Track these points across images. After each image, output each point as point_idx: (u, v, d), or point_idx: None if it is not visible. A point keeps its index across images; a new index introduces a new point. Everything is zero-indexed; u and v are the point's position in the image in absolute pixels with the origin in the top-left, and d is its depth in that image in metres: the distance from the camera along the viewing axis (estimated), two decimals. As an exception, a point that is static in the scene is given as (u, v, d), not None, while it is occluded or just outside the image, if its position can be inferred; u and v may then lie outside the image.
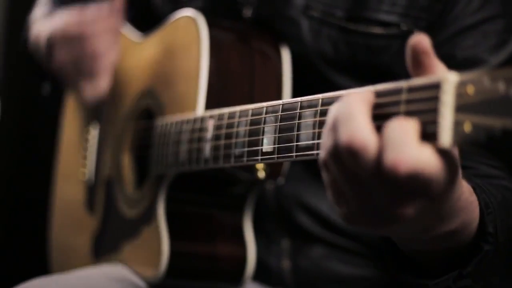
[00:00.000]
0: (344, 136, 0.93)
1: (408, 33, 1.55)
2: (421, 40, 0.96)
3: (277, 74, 1.61)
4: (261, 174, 1.50)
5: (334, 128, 0.96)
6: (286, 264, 1.71)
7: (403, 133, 0.91)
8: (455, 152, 0.96)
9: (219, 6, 1.74)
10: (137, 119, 1.82)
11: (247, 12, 1.69)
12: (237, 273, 1.65)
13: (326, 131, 0.99)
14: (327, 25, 1.60)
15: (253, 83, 1.60)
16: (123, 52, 1.91)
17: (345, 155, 0.93)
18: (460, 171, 1.00)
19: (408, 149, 0.90)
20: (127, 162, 1.82)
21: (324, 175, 1.01)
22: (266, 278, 1.72)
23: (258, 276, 1.70)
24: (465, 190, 1.06)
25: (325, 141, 0.99)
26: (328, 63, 1.61)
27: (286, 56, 1.63)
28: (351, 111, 0.94)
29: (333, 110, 0.98)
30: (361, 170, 0.93)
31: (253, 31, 1.67)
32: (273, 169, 1.53)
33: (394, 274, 1.21)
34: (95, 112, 2.02)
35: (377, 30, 1.57)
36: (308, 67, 1.62)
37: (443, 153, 0.93)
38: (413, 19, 1.56)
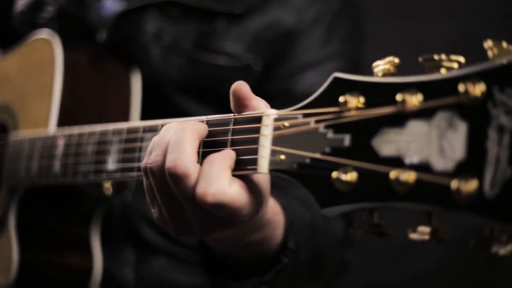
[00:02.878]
0: (171, 161, 1.04)
1: (248, 66, 1.68)
2: (241, 86, 1.09)
3: (126, 96, 1.71)
4: (108, 190, 1.60)
5: (166, 149, 1.07)
6: (129, 274, 1.79)
7: (217, 168, 1.04)
8: (266, 180, 1.10)
9: (74, 29, 1.83)
10: (-9, 132, 1.88)
11: (101, 36, 1.79)
12: (84, 282, 1.73)
13: (155, 144, 1.10)
14: (175, 54, 1.72)
15: (104, 104, 1.69)
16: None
17: (168, 177, 1.05)
18: (266, 197, 1.14)
19: (218, 183, 1.02)
20: (-21, 174, 1.88)
21: (144, 179, 1.13)
22: (112, 287, 1.81)
23: (104, 285, 1.79)
24: (269, 210, 1.20)
25: (152, 153, 1.09)
26: (176, 88, 1.73)
27: (136, 80, 1.73)
28: (181, 140, 1.06)
29: (169, 131, 1.10)
30: (179, 193, 1.06)
31: (106, 55, 1.76)
32: (119, 185, 1.62)
33: (206, 274, 1.34)
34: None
35: (222, 61, 1.70)
36: (158, 92, 1.73)
37: (251, 187, 1.07)
38: (256, 53, 1.69)
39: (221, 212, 1.04)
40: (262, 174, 1.05)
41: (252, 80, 1.66)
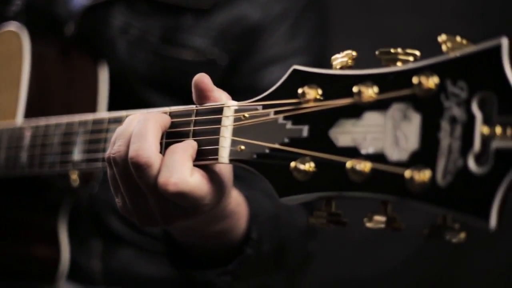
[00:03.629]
0: (133, 151, 1.06)
1: (214, 61, 1.70)
2: (203, 78, 1.11)
3: (94, 89, 1.72)
4: (75, 182, 1.61)
5: (129, 140, 1.09)
6: (96, 265, 1.80)
7: (178, 158, 1.06)
8: (228, 170, 1.12)
9: (42, 22, 1.84)
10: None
11: (69, 29, 1.80)
12: (51, 272, 1.74)
13: (119, 134, 1.12)
14: (142, 48, 1.73)
15: (71, 97, 1.71)
16: None
17: (131, 167, 1.07)
18: (229, 187, 1.16)
19: (180, 172, 1.04)
20: None
21: (108, 169, 1.15)
22: (79, 278, 1.82)
23: (72, 275, 1.79)
24: (232, 201, 1.22)
25: (116, 143, 1.11)
26: (143, 82, 1.74)
27: (103, 73, 1.74)
28: (144, 130, 1.08)
29: (132, 122, 1.12)
30: (142, 182, 1.08)
31: (74, 48, 1.77)
32: (86, 176, 1.64)
33: (172, 265, 1.35)
34: None
35: (188, 55, 1.72)
36: (125, 85, 1.75)
37: (213, 176, 1.10)
38: (222, 47, 1.71)
39: (183, 201, 1.06)
40: (224, 164, 1.07)
41: (217, 75, 1.68)
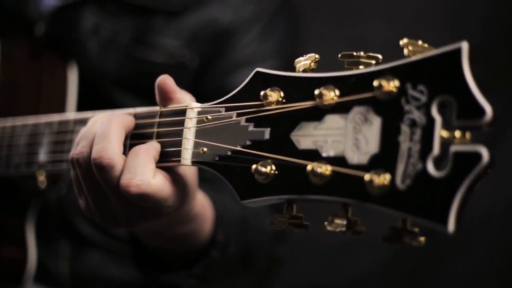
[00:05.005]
0: (96, 152, 1.06)
1: (183, 64, 1.70)
2: (165, 80, 1.11)
3: (62, 90, 1.71)
4: (42, 183, 1.60)
5: (92, 141, 1.09)
6: (64, 267, 1.79)
7: (141, 159, 1.05)
8: (192, 173, 1.12)
9: (12, 22, 1.83)
10: None
11: (39, 30, 1.79)
12: (18, 274, 1.73)
13: (82, 135, 1.12)
14: (113, 49, 1.73)
15: (40, 98, 1.70)
16: None
17: (94, 168, 1.07)
18: (193, 190, 1.15)
19: (142, 174, 1.04)
20: None
21: (71, 170, 1.15)
22: (47, 280, 1.81)
23: (40, 278, 1.78)
24: (197, 203, 1.22)
25: (79, 144, 1.11)
26: (113, 83, 1.74)
27: (72, 74, 1.73)
28: (107, 131, 1.07)
29: (96, 123, 1.11)
30: (104, 183, 1.07)
31: (44, 49, 1.76)
32: (53, 178, 1.63)
33: (137, 268, 1.35)
34: None
35: (158, 57, 1.71)
36: (95, 86, 1.74)
37: (176, 178, 1.09)
38: (193, 50, 1.71)
39: (145, 203, 1.06)
40: (186, 166, 1.07)
41: (188, 77, 1.67)
